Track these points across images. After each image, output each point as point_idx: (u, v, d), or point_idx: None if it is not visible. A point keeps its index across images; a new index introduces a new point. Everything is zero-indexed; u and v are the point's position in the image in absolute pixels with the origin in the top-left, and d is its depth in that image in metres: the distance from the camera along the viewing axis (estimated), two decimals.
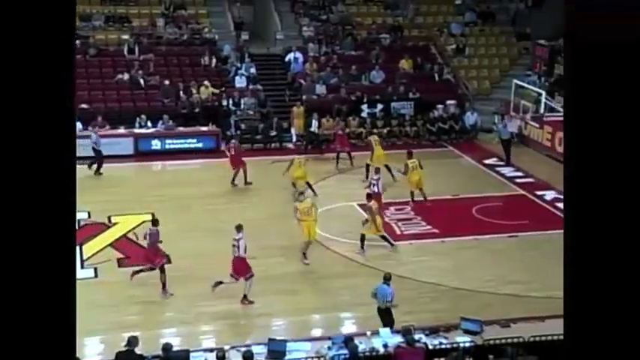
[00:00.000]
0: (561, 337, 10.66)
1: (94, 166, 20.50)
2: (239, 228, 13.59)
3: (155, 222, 14.45)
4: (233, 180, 19.78)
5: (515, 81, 21.59)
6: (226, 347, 10.41)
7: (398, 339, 10.49)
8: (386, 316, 11.96)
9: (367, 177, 19.41)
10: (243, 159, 20.05)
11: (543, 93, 19.77)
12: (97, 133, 20.93)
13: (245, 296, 13.45)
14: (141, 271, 13.95)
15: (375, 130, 23.20)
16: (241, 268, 13.42)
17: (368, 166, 19.83)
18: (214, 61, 25.79)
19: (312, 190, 18.67)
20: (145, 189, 19.45)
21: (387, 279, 12.13)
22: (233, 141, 20.56)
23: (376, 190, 16.74)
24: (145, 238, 14.18)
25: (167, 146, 22.59)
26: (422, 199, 18.24)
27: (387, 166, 19.72)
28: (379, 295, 12.03)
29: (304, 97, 24.84)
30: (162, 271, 13.74)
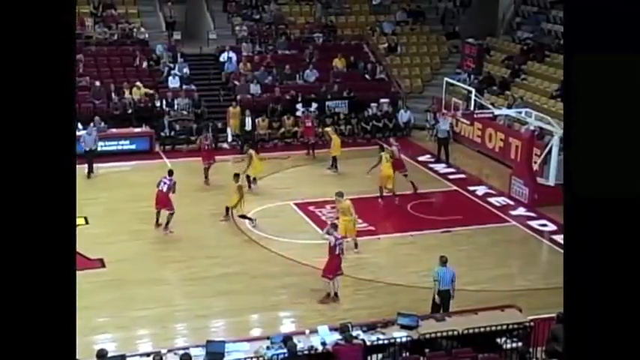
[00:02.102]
0: (493, 327, 11.02)
1: None
2: (335, 227, 13.95)
3: (170, 172, 16.81)
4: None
5: (446, 79, 21.97)
6: (163, 351, 10.30)
7: (336, 336, 10.57)
8: (447, 297, 12.20)
9: (333, 166, 21.19)
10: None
11: (473, 91, 20.17)
12: None
13: (336, 294, 13.56)
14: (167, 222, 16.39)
15: (336, 126, 23.77)
16: (333, 267, 13.50)
17: (334, 158, 21.27)
18: (145, 62, 25.41)
19: (250, 184, 19.19)
20: (76, 192, 19.02)
21: (445, 261, 12.41)
22: (207, 134, 20.90)
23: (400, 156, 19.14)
24: (159, 185, 16.45)
25: (99, 148, 22.13)
26: (390, 194, 18.72)
27: (334, 158, 21.25)
28: (443, 279, 12.22)
29: (239, 96, 24.74)
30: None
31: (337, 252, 13.51)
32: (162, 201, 16.51)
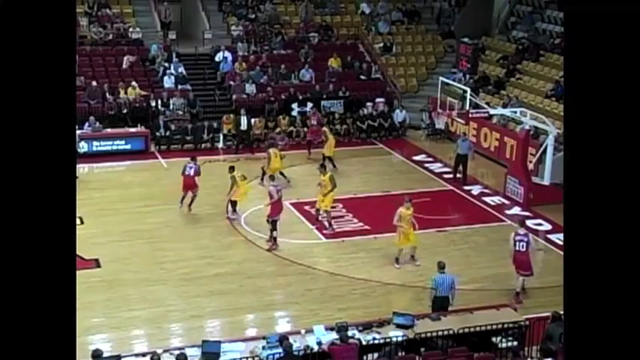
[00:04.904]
0: (489, 327, 11.03)
1: None
2: (523, 223, 14.28)
3: (193, 157, 18.08)
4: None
5: (442, 78, 21.97)
6: (159, 351, 10.28)
7: (332, 336, 10.57)
8: (445, 303, 12.10)
9: (334, 166, 20.64)
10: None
11: (468, 90, 20.17)
12: None
13: (517, 293, 13.62)
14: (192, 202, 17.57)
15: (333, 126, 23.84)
16: (525, 264, 13.59)
17: (325, 156, 20.85)
18: (130, 61, 25.33)
19: (284, 177, 19.45)
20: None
21: (442, 267, 12.34)
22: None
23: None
24: (185, 171, 17.62)
25: (94, 148, 22.10)
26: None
27: (330, 158, 20.91)
28: (443, 286, 12.13)
29: (234, 96, 24.72)
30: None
31: (517, 248, 13.58)
32: (190, 184, 17.63)
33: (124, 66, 25.17)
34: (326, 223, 16.94)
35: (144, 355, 10.29)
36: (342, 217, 17.61)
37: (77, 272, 15.73)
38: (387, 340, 10.65)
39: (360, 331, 10.91)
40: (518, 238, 13.61)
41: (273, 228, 15.84)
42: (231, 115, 23.51)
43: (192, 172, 17.60)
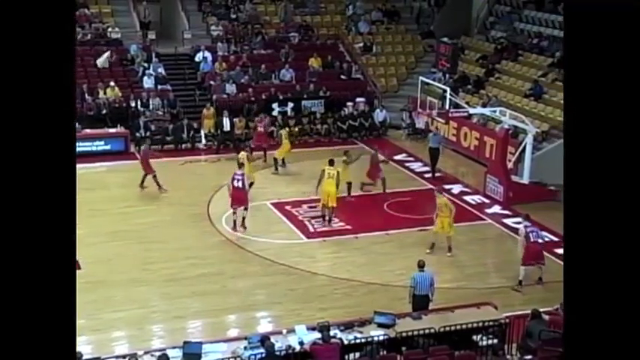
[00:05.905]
0: (469, 325, 11.12)
1: None
2: (528, 217, 14.79)
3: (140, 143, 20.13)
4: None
5: (422, 78, 22.05)
6: (140, 352, 10.27)
7: (314, 336, 10.60)
8: (425, 301, 12.14)
9: (276, 169, 21.05)
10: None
11: (448, 89, 20.29)
12: None
13: (540, 278, 14.36)
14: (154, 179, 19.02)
15: (290, 127, 23.48)
16: (530, 255, 14.20)
17: (275, 160, 21.04)
18: (120, 62, 25.24)
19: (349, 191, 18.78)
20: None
21: (422, 266, 12.49)
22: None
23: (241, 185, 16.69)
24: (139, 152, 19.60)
25: None
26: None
27: (275, 160, 21.05)
28: (421, 284, 12.23)
29: (214, 96, 24.67)
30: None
31: (532, 239, 14.17)
32: (143, 164, 19.26)
33: (100, 63, 24.93)
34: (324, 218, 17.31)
35: (124, 357, 10.26)
36: (323, 216, 17.63)
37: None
38: (369, 339, 10.70)
39: (341, 330, 10.94)
40: (529, 229, 14.30)
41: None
42: (212, 108, 23.50)
43: (141, 154, 19.55)
